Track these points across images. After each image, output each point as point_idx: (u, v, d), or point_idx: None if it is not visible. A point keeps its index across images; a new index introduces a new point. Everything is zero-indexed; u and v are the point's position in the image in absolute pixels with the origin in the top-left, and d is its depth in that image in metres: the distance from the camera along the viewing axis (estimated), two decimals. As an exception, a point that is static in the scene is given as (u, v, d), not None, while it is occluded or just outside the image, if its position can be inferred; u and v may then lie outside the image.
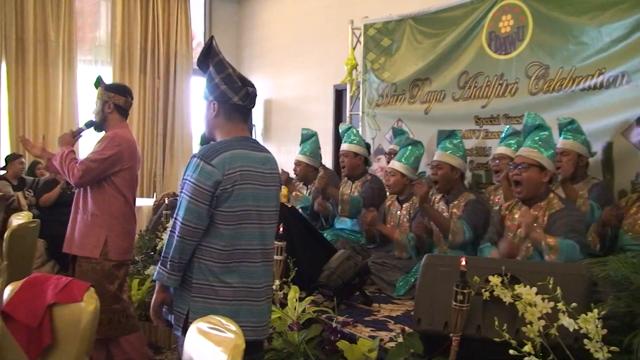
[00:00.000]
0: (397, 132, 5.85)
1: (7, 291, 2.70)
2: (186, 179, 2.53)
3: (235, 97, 2.62)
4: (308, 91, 8.93)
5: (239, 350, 1.88)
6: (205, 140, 2.94)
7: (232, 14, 10.90)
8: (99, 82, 4.12)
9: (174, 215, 2.56)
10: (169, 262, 2.52)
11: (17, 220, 4.91)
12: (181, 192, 2.56)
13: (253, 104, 2.71)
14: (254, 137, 9.69)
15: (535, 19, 4.80)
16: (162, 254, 2.57)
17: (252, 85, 2.70)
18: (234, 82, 2.63)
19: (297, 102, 9.28)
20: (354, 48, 6.86)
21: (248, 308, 2.59)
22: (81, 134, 4.16)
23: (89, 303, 2.55)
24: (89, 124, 4.11)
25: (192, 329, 2.11)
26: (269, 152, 2.77)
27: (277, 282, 3.65)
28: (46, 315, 2.57)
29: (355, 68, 6.84)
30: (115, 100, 4.03)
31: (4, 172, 7.55)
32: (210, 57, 2.65)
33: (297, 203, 5.69)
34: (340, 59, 7.12)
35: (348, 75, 6.92)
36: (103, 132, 4.10)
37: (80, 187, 3.96)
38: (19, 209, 6.55)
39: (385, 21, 6.38)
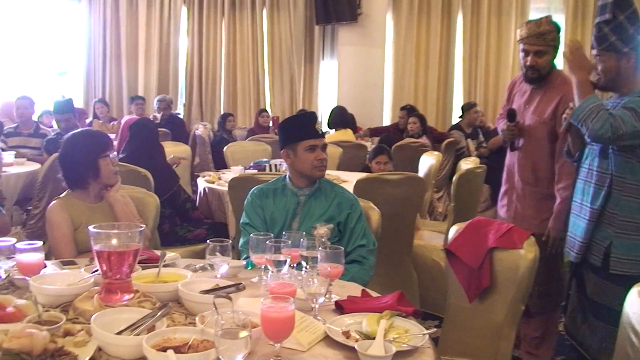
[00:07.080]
0: None
1: (452, 231, 2.85)
2: None
3: None
4: None
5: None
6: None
7: None
8: None
9: None
10: None
11: (466, 165, 5.19)
12: None
13: None
14: None
15: None
16: None
17: None
18: None
19: None
20: None
21: None
22: None
23: (528, 251, 2.54)
24: None
25: (634, 292, 1.96)
26: None
27: None
28: (486, 259, 2.65)
29: None
30: None
31: (460, 119, 8.03)
32: (620, 8, 2.68)
33: None
34: None
35: None
36: None
37: None
38: (468, 156, 6.90)
39: None
